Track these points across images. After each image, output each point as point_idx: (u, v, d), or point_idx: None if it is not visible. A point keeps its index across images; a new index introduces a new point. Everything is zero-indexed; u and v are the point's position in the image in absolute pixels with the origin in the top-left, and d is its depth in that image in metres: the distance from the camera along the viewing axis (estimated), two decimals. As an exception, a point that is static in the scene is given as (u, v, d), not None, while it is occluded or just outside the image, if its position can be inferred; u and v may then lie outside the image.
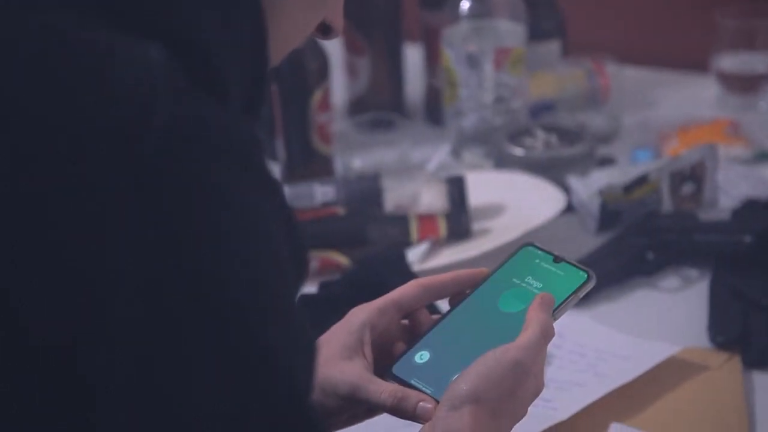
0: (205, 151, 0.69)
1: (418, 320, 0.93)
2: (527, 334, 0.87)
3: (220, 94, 0.74)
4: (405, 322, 0.94)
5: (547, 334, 0.88)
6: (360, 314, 0.92)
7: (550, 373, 1.20)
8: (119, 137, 0.67)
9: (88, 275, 0.66)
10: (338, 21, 0.87)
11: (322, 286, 1.31)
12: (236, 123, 0.72)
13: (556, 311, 0.90)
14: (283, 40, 0.83)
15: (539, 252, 0.93)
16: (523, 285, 0.92)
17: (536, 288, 0.91)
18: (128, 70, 0.69)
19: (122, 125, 0.67)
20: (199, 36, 0.73)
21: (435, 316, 0.93)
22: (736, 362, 1.22)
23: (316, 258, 1.39)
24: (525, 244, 0.94)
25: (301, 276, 0.76)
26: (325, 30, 0.87)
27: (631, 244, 1.38)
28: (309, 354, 0.74)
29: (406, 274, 1.31)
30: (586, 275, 0.91)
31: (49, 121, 0.67)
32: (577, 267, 0.92)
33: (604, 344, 1.25)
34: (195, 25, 0.73)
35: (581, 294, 0.91)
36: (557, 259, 0.92)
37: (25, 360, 0.67)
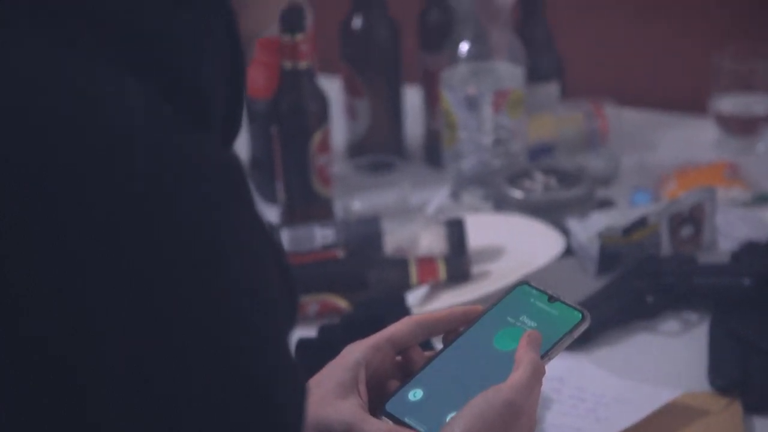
0: (192, 184, 0.69)
1: (411, 357, 0.93)
2: (518, 374, 0.87)
3: (203, 121, 0.74)
4: (399, 358, 0.94)
5: (537, 373, 0.88)
6: (355, 351, 0.92)
7: (551, 417, 1.20)
8: (101, 170, 0.67)
9: (78, 305, 0.66)
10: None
11: (322, 330, 1.31)
12: (223, 154, 0.72)
13: (550, 351, 0.90)
14: (265, 15, 0.83)
15: (534, 291, 0.93)
16: (518, 324, 0.92)
17: (530, 327, 0.91)
18: (108, 102, 0.68)
19: (104, 158, 0.67)
20: (179, 62, 0.73)
21: (428, 353, 0.93)
22: (737, 407, 1.22)
23: (316, 301, 1.39)
24: (520, 282, 0.94)
25: (293, 313, 0.76)
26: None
27: (631, 287, 1.38)
28: (300, 392, 0.74)
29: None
30: (580, 315, 0.91)
31: (29, 155, 0.67)
32: (571, 307, 0.92)
33: (604, 389, 1.25)
34: (173, 52, 0.73)
35: (576, 334, 0.91)
36: (552, 299, 0.92)
37: (21, 370, 0.67)
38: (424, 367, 0.91)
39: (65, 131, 0.67)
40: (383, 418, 0.90)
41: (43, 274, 0.66)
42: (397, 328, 0.93)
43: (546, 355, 0.89)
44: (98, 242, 0.67)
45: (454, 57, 1.61)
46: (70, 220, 0.66)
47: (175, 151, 0.69)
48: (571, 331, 0.90)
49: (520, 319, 0.92)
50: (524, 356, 0.89)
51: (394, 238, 1.46)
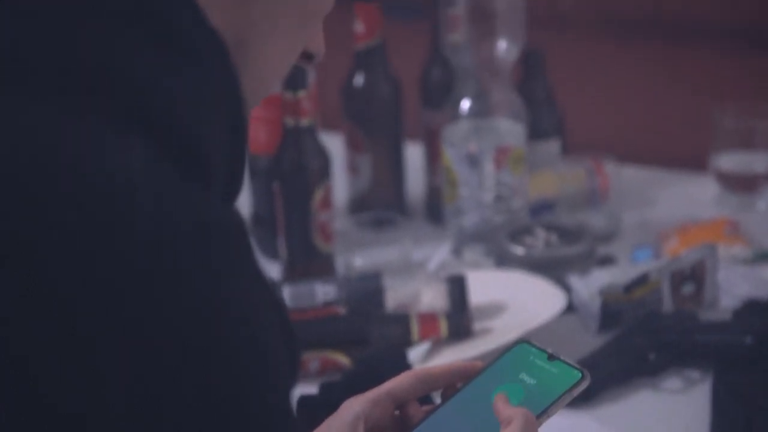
0: (193, 245, 0.69)
1: (409, 412, 0.93)
2: (510, 429, 0.87)
3: (204, 180, 0.74)
4: (397, 413, 0.94)
5: (529, 425, 0.88)
6: (354, 405, 0.92)
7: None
8: (103, 233, 0.67)
9: (80, 365, 0.67)
10: (318, 46, 0.88)
11: (323, 387, 1.31)
12: (223, 213, 0.72)
13: (548, 409, 0.89)
14: (269, 74, 0.84)
15: (533, 349, 0.93)
16: (516, 381, 0.91)
17: (529, 384, 0.91)
18: (109, 164, 0.69)
19: (105, 221, 0.67)
20: (180, 121, 0.73)
21: (426, 408, 0.93)
22: (740, 465, 1.21)
23: (317, 358, 1.39)
24: (520, 340, 0.94)
25: (294, 369, 0.76)
26: (308, 56, 0.87)
27: (633, 344, 1.38)
28: None
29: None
30: (580, 374, 0.91)
31: (31, 217, 0.67)
32: (571, 366, 0.92)
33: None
34: (175, 111, 0.73)
35: (575, 393, 0.91)
36: (551, 357, 0.92)
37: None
38: (422, 421, 0.91)
39: (65, 192, 0.68)
40: None
41: (46, 336, 0.66)
42: (396, 382, 0.93)
43: (544, 413, 0.89)
44: (100, 303, 0.67)
45: (455, 114, 1.62)
46: (69, 281, 0.67)
47: (175, 210, 0.69)
48: (570, 390, 0.90)
49: (519, 376, 0.92)
50: (511, 412, 0.88)
51: (395, 295, 1.46)
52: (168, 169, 0.71)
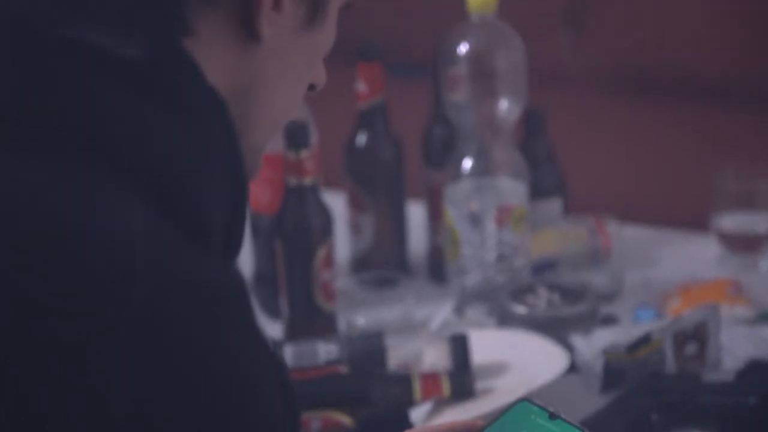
0: (191, 305, 0.69)
1: None
2: None
3: (203, 239, 0.74)
4: None
5: None
6: None
7: None
8: (102, 293, 0.67)
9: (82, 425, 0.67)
10: (320, 76, 0.88)
11: (325, 447, 1.30)
12: (222, 272, 0.72)
13: None
14: (278, 115, 0.84)
15: (535, 408, 0.93)
16: None
17: None
18: (109, 224, 0.69)
19: (105, 280, 0.68)
20: (179, 180, 0.74)
21: None
22: None
23: (319, 418, 1.38)
24: (520, 399, 0.94)
25: (294, 430, 0.76)
26: (310, 87, 0.88)
27: (635, 404, 1.38)
28: None
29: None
30: None
31: (33, 274, 0.67)
32: (572, 425, 0.92)
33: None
34: (174, 171, 0.74)
35: None
36: (552, 416, 0.92)
37: None
38: None
39: (66, 250, 0.68)
40: None
41: (51, 389, 0.66)
42: None
43: None
44: (98, 362, 0.67)
45: (457, 173, 1.62)
46: (70, 337, 0.67)
47: (173, 269, 0.70)
48: None
49: None
50: None
51: (397, 354, 1.46)
52: (167, 228, 0.71)
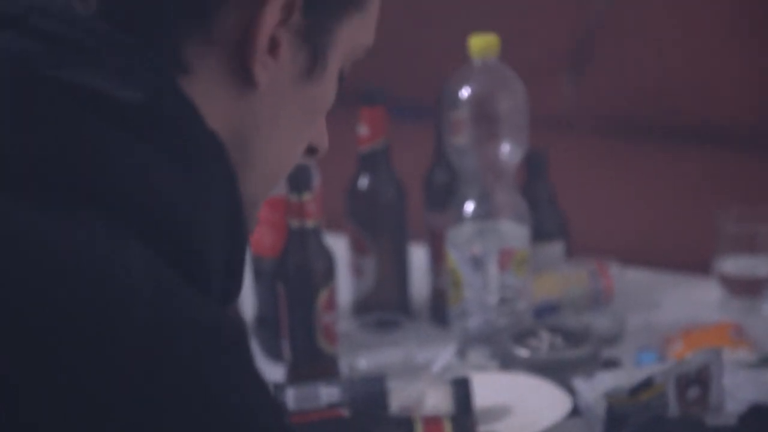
0: (191, 350, 0.69)
1: None
2: None
3: (202, 282, 0.74)
4: None
5: None
6: None
7: None
8: (102, 334, 0.67)
9: None
10: (322, 140, 0.88)
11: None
12: (221, 314, 0.72)
13: None
14: (275, 170, 0.84)
15: None
16: None
17: None
18: (109, 267, 0.69)
19: (104, 322, 0.68)
20: (178, 223, 0.74)
21: None
22: None
23: (321, 461, 1.38)
24: None
25: None
26: (312, 151, 0.88)
27: (638, 448, 1.37)
28: None
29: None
30: None
31: (38, 315, 0.67)
32: None
33: None
34: (173, 214, 0.74)
35: None
36: None
37: None
38: None
39: (69, 293, 0.68)
40: None
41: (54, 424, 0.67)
42: None
43: None
44: (97, 401, 0.67)
45: (459, 216, 1.63)
46: (67, 377, 0.67)
47: (172, 311, 0.70)
48: None
49: None
50: None
51: (399, 397, 1.46)
52: (166, 271, 0.71)
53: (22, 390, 0.67)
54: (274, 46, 0.80)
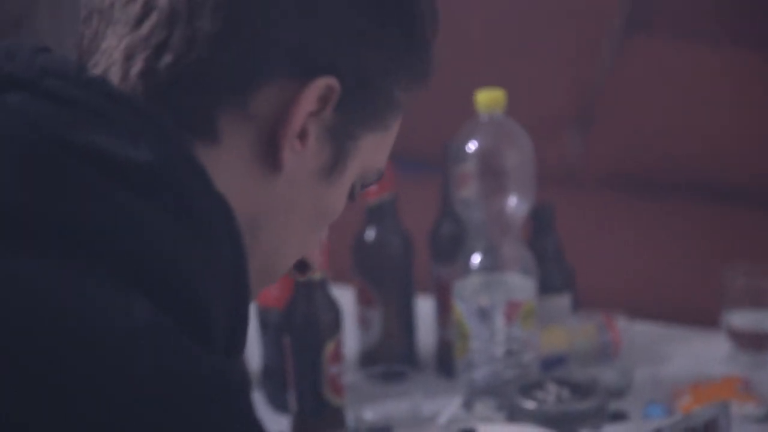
0: (192, 400, 0.69)
1: None
2: None
3: (205, 337, 0.74)
4: None
5: None
6: None
7: None
8: (104, 387, 0.67)
9: None
10: (317, 257, 0.89)
11: None
12: (223, 369, 0.72)
13: None
14: (273, 262, 0.85)
15: None
16: None
17: None
18: (111, 320, 0.69)
19: (106, 375, 0.68)
20: (182, 281, 0.74)
21: None
22: None
23: None
24: None
25: None
26: (302, 267, 0.89)
27: (646, 501, 1.36)
28: None
29: None
30: None
31: (37, 372, 0.67)
32: None
33: None
34: (177, 272, 0.74)
35: None
36: None
37: None
38: None
39: (70, 345, 0.68)
40: None
41: None
42: None
43: None
44: None
45: (466, 269, 1.63)
46: (70, 421, 0.67)
47: (175, 365, 0.70)
48: None
49: None
50: None
51: (406, 448, 1.45)
52: (169, 326, 0.71)
53: None
54: (303, 136, 0.82)
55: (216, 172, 0.78)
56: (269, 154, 0.81)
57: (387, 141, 0.88)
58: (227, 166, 0.80)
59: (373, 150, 0.87)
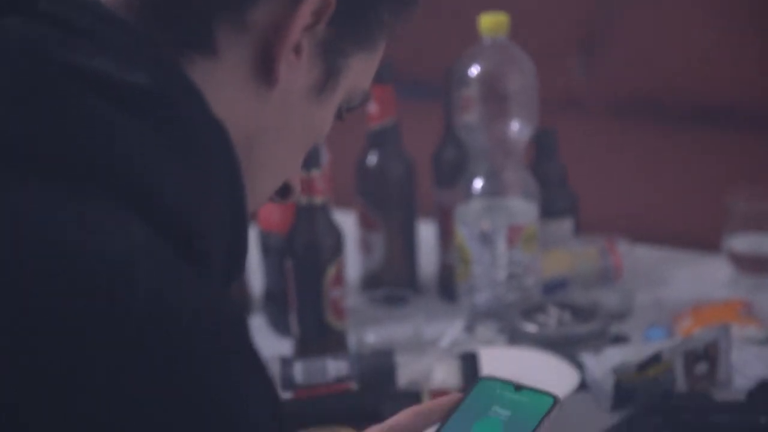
0: (189, 330, 0.70)
1: None
2: None
3: (203, 263, 0.74)
4: None
5: None
6: None
7: None
8: (99, 310, 0.68)
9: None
10: (297, 182, 0.90)
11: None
12: (220, 296, 0.72)
13: None
14: (264, 182, 0.85)
15: (498, 383, 0.95)
16: (491, 415, 0.93)
17: (504, 416, 0.92)
18: (109, 246, 0.69)
19: (103, 303, 0.68)
20: (179, 205, 0.74)
21: None
22: None
23: (329, 434, 1.38)
24: (481, 378, 0.96)
25: None
26: (284, 192, 0.90)
27: (646, 423, 1.37)
28: None
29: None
30: (552, 399, 0.93)
31: (31, 294, 0.68)
32: (541, 392, 0.94)
33: None
34: (174, 196, 0.74)
35: (552, 417, 0.92)
36: (518, 387, 0.94)
37: None
38: None
39: (65, 269, 0.68)
40: None
41: (45, 413, 0.67)
42: (397, 418, 0.96)
43: None
44: (95, 379, 0.67)
45: (468, 193, 1.63)
46: (65, 357, 0.67)
47: (172, 289, 0.70)
48: (547, 414, 0.92)
49: (492, 409, 0.93)
50: None
51: (407, 371, 1.46)
52: (166, 249, 0.71)
53: (8, 372, 0.67)
54: (298, 50, 0.81)
55: (213, 90, 0.78)
56: (265, 68, 0.81)
57: (374, 63, 0.88)
58: (224, 82, 0.80)
59: (361, 70, 0.87)
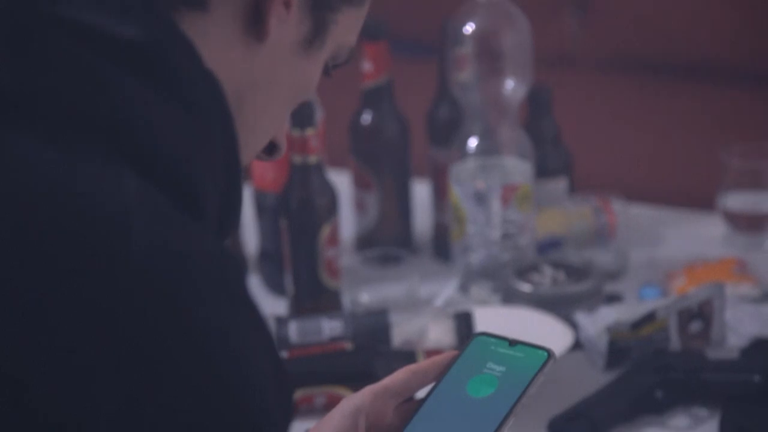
0: (185, 280, 0.70)
1: (405, 407, 0.95)
2: None
3: (197, 214, 0.74)
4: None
5: None
6: (353, 399, 0.93)
7: None
8: (96, 257, 0.68)
9: (73, 390, 0.67)
10: (283, 139, 0.90)
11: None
12: (216, 247, 0.72)
13: (526, 391, 0.91)
14: (254, 136, 0.85)
15: (492, 339, 0.95)
16: (486, 371, 0.93)
17: (499, 372, 0.92)
18: (102, 197, 0.69)
19: (98, 253, 0.68)
20: (173, 156, 0.74)
21: (413, 402, 0.95)
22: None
23: (323, 393, 1.39)
24: (476, 335, 0.96)
25: (287, 407, 0.76)
26: (271, 150, 0.90)
27: (640, 382, 1.38)
28: None
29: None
30: (546, 354, 0.93)
31: (23, 250, 0.68)
32: (535, 347, 0.93)
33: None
34: (167, 147, 0.74)
35: (546, 371, 0.92)
36: (512, 343, 0.94)
37: None
38: (413, 416, 0.93)
39: (60, 217, 0.68)
40: None
41: (41, 360, 0.67)
42: (393, 378, 0.95)
43: (523, 394, 0.90)
44: (92, 326, 0.67)
45: (462, 152, 1.62)
46: (62, 305, 0.67)
47: (167, 236, 0.70)
48: (541, 369, 0.92)
49: (488, 365, 0.93)
50: None
51: (402, 331, 1.46)
52: (161, 198, 0.71)
53: (6, 321, 0.67)
54: (287, 4, 0.81)
55: (204, 44, 0.78)
56: (255, 23, 0.81)
57: (360, 18, 0.89)
58: (215, 36, 0.80)
59: (348, 26, 0.87)
